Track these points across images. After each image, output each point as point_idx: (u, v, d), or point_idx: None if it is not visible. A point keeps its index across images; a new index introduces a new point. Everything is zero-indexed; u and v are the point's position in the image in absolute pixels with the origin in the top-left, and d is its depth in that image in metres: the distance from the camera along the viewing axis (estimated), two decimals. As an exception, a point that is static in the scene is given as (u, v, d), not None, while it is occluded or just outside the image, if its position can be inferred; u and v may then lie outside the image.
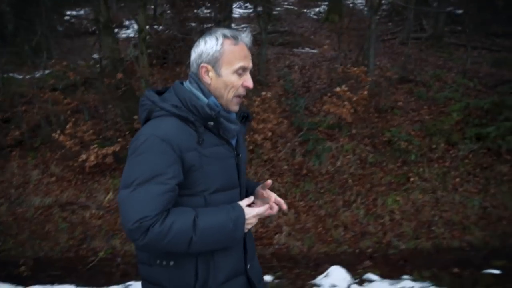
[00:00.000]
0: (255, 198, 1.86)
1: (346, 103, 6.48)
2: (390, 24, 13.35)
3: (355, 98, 6.56)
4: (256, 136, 6.55)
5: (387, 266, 5.08)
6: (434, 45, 11.14)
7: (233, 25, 10.48)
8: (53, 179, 6.84)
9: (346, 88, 6.48)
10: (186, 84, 1.76)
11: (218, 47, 1.70)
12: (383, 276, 4.65)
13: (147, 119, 1.70)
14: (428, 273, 4.71)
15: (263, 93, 6.68)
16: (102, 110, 7.60)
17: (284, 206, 1.86)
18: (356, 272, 4.69)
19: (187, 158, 1.61)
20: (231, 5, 10.41)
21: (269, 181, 1.88)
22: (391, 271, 4.86)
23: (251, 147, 6.67)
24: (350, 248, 5.57)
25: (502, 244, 5.43)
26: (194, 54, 1.75)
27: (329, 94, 7.36)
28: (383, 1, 10.25)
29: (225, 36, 1.71)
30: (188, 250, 1.58)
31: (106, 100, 7.12)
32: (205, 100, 1.71)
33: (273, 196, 1.88)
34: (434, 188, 6.27)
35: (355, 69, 6.88)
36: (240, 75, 1.72)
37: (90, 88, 7.82)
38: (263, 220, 6.13)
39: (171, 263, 1.68)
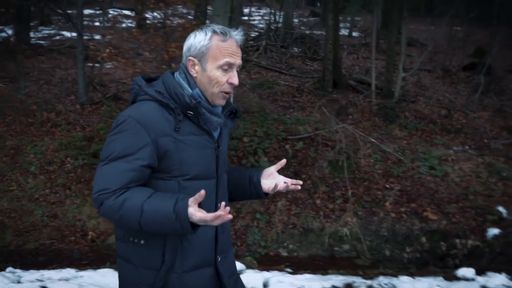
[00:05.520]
0: (263, 178, 1.94)
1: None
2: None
3: None
4: None
5: None
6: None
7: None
8: None
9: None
10: (176, 74, 1.80)
11: (206, 42, 1.72)
12: None
13: (133, 102, 1.78)
14: None
15: None
16: None
17: (293, 187, 1.90)
18: None
19: (161, 142, 1.65)
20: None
21: (284, 161, 1.96)
22: None
23: None
24: None
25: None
26: (185, 47, 1.78)
27: None
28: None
29: (214, 32, 1.73)
30: (141, 228, 1.60)
31: None
32: (189, 90, 1.75)
33: (280, 178, 1.94)
34: (20, 197, 6.99)
35: None
36: (225, 71, 1.73)
37: None
38: None
39: (142, 241, 1.71)
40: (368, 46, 14.95)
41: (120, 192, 1.59)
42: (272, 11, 19.41)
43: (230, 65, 1.73)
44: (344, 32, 20.03)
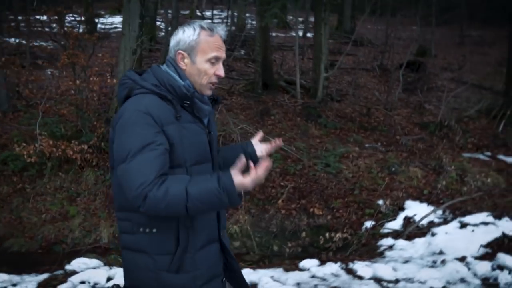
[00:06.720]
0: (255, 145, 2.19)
1: None
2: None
3: None
4: None
5: None
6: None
7: None
8: None
9: None
10: (164, 67, 1.91)
11: (195, 37, 1.84)
12: None
13: (127, 97, 1.84)
14: None
15: None
16: None
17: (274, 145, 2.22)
18: None
19: (168, 131, 1.75)
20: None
21: (260, 133, 2.23)
22: None
23: None
24: None
25: None
26: (172, 41, 1.90)
27: None
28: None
29: (202, 27, 1.86)
30: (187, 212, 1.67)
31: None
32: (181, 82, 1.86)
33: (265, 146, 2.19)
34: None
35: None
36: (213, 64, 1.87)
37: None
38: None
39: (154, 230, 1.79)
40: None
41: (158, 182, 1.64)
42: (225, 13, 19.66)
43: (217, 59, 1.87)
44: (299, 33, 20.41)
